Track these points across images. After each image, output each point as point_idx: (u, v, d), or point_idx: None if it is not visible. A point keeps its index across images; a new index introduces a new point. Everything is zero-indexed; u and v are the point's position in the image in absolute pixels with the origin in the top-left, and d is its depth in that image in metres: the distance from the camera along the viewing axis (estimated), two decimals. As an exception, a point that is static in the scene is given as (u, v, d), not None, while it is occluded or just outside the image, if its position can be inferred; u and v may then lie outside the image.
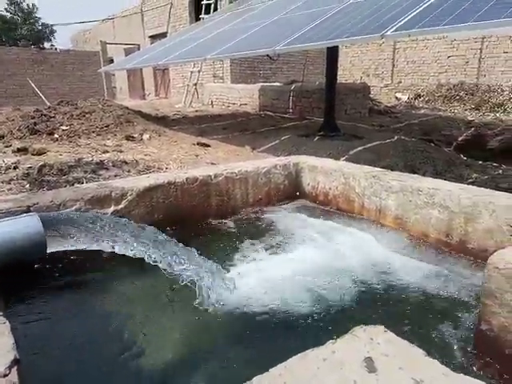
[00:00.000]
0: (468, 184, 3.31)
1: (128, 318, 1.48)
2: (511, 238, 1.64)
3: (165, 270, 1.45)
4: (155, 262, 1.42)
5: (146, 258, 1.42)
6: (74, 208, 1.92)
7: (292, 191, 2.88)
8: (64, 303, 1.58)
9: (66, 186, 2.92)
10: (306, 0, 5.94)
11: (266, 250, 1.98)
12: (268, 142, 5.64)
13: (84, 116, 6.15)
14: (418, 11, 3.41)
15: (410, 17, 3.35)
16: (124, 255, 1.46)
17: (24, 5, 22.21)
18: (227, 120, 7.89)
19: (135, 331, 1.38)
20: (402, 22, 3.29)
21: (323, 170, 2.69)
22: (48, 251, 1.38)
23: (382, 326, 0.92)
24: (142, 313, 1.52)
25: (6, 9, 21.77)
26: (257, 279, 1.66)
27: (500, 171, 4.61)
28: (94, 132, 5.67)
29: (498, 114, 9.90)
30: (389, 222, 2.23)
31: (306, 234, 2.18)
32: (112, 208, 2.02)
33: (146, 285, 1.68)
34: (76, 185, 2.83)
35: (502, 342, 1.12)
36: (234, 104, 10.04)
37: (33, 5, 22.30)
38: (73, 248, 1.38)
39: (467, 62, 13.46)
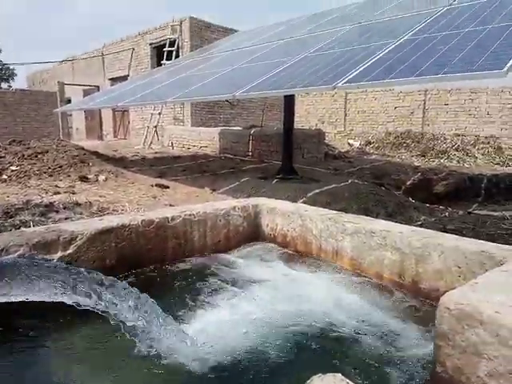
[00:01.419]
0: (417, 226, 3.46)
1: (69, 375, 1.36)
2: (460, 279, 1.71)
3: (113, 320, 1.35)
4: (104, 311, 1.33)
5: (93, 308, 1.33)
6: (17, 254, 1.79)
7: (251, 233, 2.87)
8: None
9: (11, 230, 2.74)
10: (265, 52, 6.28)
11: (222, 297, 1.91)
12: (228, 183, 5.68)
13: (36, 156, 5.93)
14: (367, 65, 3.70)
15: (359, 70, 3.62)
16: (68, 305, 1.35)
17: None
18: (187, 162, 7.90)
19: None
20: (353, 75, 3.54)
21: (281, 212, 2.72)
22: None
23: (340, 374, 0.90)
24: (88, 368, 1.40)
25: None
26: (212, 328, 1.59)
27: (446, 213, 4.89)
28: (45, 173, 5.45)
29: (442, 161, 10.68)
30: (345, 263, 2.26)
31: (262, 279, 2.15)
32: (59, 253, 1.90)
33: (94, 336, 1.56)
34: (22, 228, 2.66)
35: (457, 383, 1.13)
36: (194, 146, 10.12)
37: None
38: (10, 300, 1.27)
39: (412, 113, 14.62)
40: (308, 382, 0.90)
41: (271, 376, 1.38)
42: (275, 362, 1.44)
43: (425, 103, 14.28)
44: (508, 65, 2.66)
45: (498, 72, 2.63)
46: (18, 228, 2.83)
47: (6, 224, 3.05)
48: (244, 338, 1.55)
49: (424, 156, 11.31)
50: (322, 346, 1.54)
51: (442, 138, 12.25)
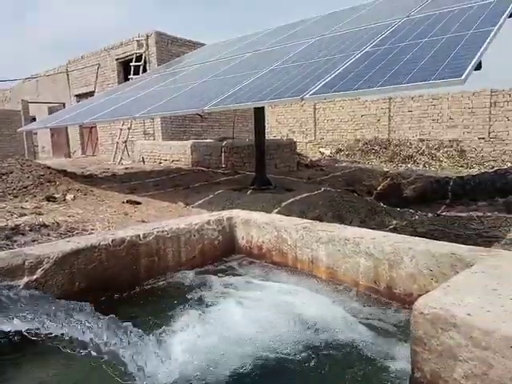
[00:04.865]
0: (389, 230, 3.54)
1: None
2: (432, 282, 1.75)
3: (85, 348, 1.29)
4: (72, 340, 1.27)
5: (60, 336, 1.26)
6: (-22, 282, 1.69)
7: (227, 246, 2.83)
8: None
9: (-29, 257, 2.58)
10: (232, 65, 6.33)
11: (198, 315, 1.86)
12: (202, 197, 5.62)
13: (0, 178, 5.68)
14: (332, 76, 3.79)
15: (325, 81, 3.70)
16: (34, 335, 1.28)
17: None
18: (159, 176, 7.79)
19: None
20: (319, 86, 3.61)
21: (256, 224, 2.71)
22: None
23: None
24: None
25: None
26: (188, 350, 1.54)
27: (416, 216, 5.03)
28: (10, 194, 5.23)
29: (409, 165, 11.03)
30: (321, 272, 2.27)
31: (237, 294, 2.12)
32: (25, 279, 1.81)
33: (62, 367, 1.48)
34: (-16, 254, 2.52)
35: (434, 387, 1.14)
36: (166, 160, 10.00)
37: None
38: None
39: (379, 120, 15.08)
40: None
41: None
42: (250, 379, 1.41)
43: (390, 110, 14.78)
44: (466, 72, 2.78)
45: (458, 80, 2.75)
46: (-20, 254, 2.68)
47: (-33, 250, 2.88)
48: (219, 357, 1.51)
49: (392, 161, 11.65)
50: (299, 360, 1.53)
51: (407, 144, 12.68)
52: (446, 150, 12.02)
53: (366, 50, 4.29)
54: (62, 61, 15.10)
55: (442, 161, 11.42)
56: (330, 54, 4.73)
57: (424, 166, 11.04)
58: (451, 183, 7.40)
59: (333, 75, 3.80)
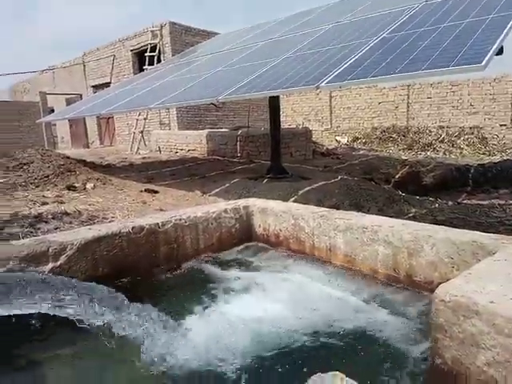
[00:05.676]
0: (408, 218, 3.49)
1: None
2: (453, 270, 1.72)
3: (108, 329, 1.33)
4: (97, 322, 1.31)
5: (86, 319, 1.30)
6: (7, 267, 1.75)
7: (244, 234, 2.86)
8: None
9: (-2, 244, 2.67)
10: (246, 53, 6.28)
11: (218, 299, 1.90)
12: (218, 185, 5.66)
13: (21, 168, 5.82)
14: (348, 64, 3.72)
15: (341, 69, 3.63)
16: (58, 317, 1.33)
17: None
18: (176, 166, 7.85)
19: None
20: (335, 74, 3.55)
21: (273, 212, 2.72)
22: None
23: (338, 372, 0.90)
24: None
25: None
26: (209, 332, 1.57)
27: (436, 205, 4.94)
28: (32, 183, 5.36)
29: (428, 153, 10.80)
30: (339, 260, 2.27)
31: (255, 281, 2.14)
32: (50, 265, 1.87)
33: (88, 348, 1.53)
34: (11, 241, 2.60)
35: (456, 374, 1.14)
36: (181, 150, 10.06)
37: None
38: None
39: (397, 107, 14.76)
40: (309, 380, 0.90)
41: (269, 375, 1.37)
42: (272, 362, 1.43)
43: (408, 97, 14.44)
44: (486, 58, 2.69)
45: (478, 66, 2.67)
46: (7, 241, 2.77)
47: (-6, 238, 2.98)
48: (238, 341, 1.54)
49: (411, 149, 11.44)
50: (320, 346, 1.54)
51: (426, 131, 12.40)
52: (466, 137, 11.71)
53: (383, 35, 4.19)
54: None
55: (462, 148, 11.15)
56: (345, 40, 4.63)
57: (444, 153, 10.80)
58: (472, 171, 7.24)
59: (349, 63, 3.73)
